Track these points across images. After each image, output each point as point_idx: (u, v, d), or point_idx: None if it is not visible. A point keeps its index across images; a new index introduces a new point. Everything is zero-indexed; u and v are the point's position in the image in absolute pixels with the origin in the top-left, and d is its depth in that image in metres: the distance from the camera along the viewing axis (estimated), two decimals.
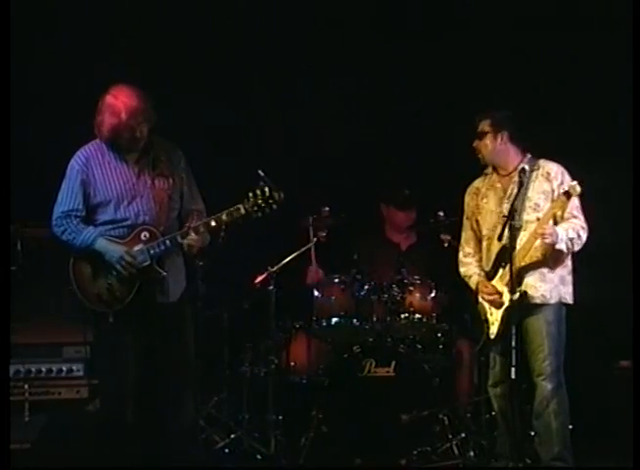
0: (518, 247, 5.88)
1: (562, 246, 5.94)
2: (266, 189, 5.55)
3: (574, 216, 6.00)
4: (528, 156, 6.17)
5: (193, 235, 5.60)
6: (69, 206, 5.69)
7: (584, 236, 6.01)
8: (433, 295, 7.22)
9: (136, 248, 5.61)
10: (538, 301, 6.02)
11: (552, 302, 6.04)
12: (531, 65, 7.71)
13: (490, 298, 6.04)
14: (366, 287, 7.24)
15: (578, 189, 5.83)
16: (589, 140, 7.55)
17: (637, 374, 6.33)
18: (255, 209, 5.57)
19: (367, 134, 8.00)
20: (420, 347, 7.15)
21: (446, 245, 7.10)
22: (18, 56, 6.86)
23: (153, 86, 5.84)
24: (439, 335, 7.21)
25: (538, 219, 5.95)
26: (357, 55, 7.86)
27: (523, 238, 5.93)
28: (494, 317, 6.05)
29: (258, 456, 6.97)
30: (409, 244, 7.75)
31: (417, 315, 7.16)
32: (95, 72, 7.21)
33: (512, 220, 5.85)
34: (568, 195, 5.84)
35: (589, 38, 7.52)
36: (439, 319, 7.21)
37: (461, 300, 6.66)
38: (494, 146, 6.11)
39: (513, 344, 5.77)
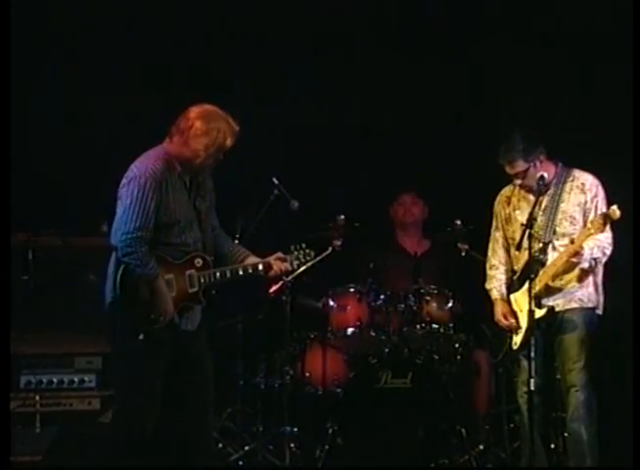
0: (549, 261, 5.89)
1: (585, 265, 5.91)
2: (303, 245, 5.70)
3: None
4: (560, 165, 6.09)
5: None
6: (142, 223, 5.34)
7: (609, 251, 5.96)
8: (450, 305, 7.15)
9: (187, 273, 5.51)
10: (576, 304, 5.98)
11: (589, 305, 6.00)
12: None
13: (505, 323, 6.02)
14: (382, 297, 7.17)
15: (618, 213, 5.72)
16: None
17: (637, 375, 6.26)
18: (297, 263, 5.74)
19: (380, 143, 7.93)
20: (437, 358, 7.07)
21: (463, 254, 7.04)
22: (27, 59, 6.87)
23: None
24: (457, 346, 7.13)
25: (571, 239, 5.89)
26: (364, 59, 7.78)
27: (555, 253, 5.92)
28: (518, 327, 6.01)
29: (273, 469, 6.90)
30: (423, 251, 7.65)
31: (434, 326, 7.09)
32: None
33: (530, 229, 5.79)
34: (605, 218, 5.75)
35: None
36: (457, 330, 7.14)
37: (478, 310, 6.58)
38: (534, 173, 5.96)
39: (532, 355, 5.72)
